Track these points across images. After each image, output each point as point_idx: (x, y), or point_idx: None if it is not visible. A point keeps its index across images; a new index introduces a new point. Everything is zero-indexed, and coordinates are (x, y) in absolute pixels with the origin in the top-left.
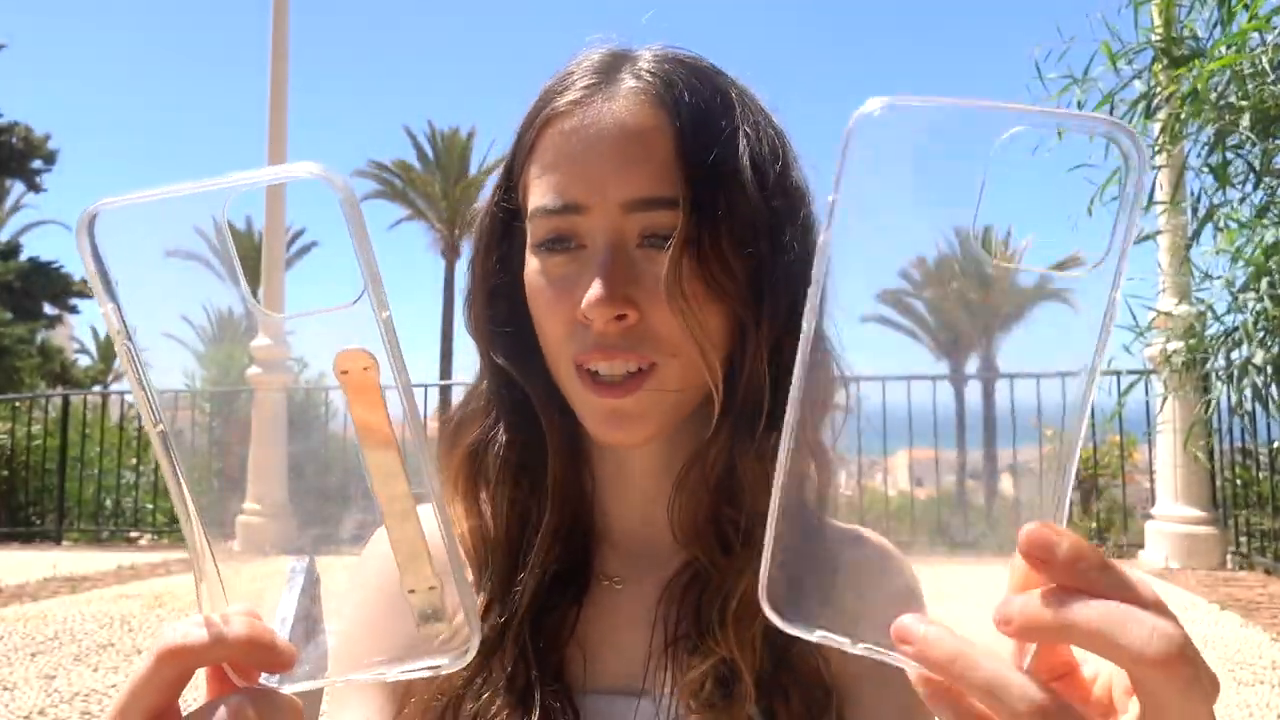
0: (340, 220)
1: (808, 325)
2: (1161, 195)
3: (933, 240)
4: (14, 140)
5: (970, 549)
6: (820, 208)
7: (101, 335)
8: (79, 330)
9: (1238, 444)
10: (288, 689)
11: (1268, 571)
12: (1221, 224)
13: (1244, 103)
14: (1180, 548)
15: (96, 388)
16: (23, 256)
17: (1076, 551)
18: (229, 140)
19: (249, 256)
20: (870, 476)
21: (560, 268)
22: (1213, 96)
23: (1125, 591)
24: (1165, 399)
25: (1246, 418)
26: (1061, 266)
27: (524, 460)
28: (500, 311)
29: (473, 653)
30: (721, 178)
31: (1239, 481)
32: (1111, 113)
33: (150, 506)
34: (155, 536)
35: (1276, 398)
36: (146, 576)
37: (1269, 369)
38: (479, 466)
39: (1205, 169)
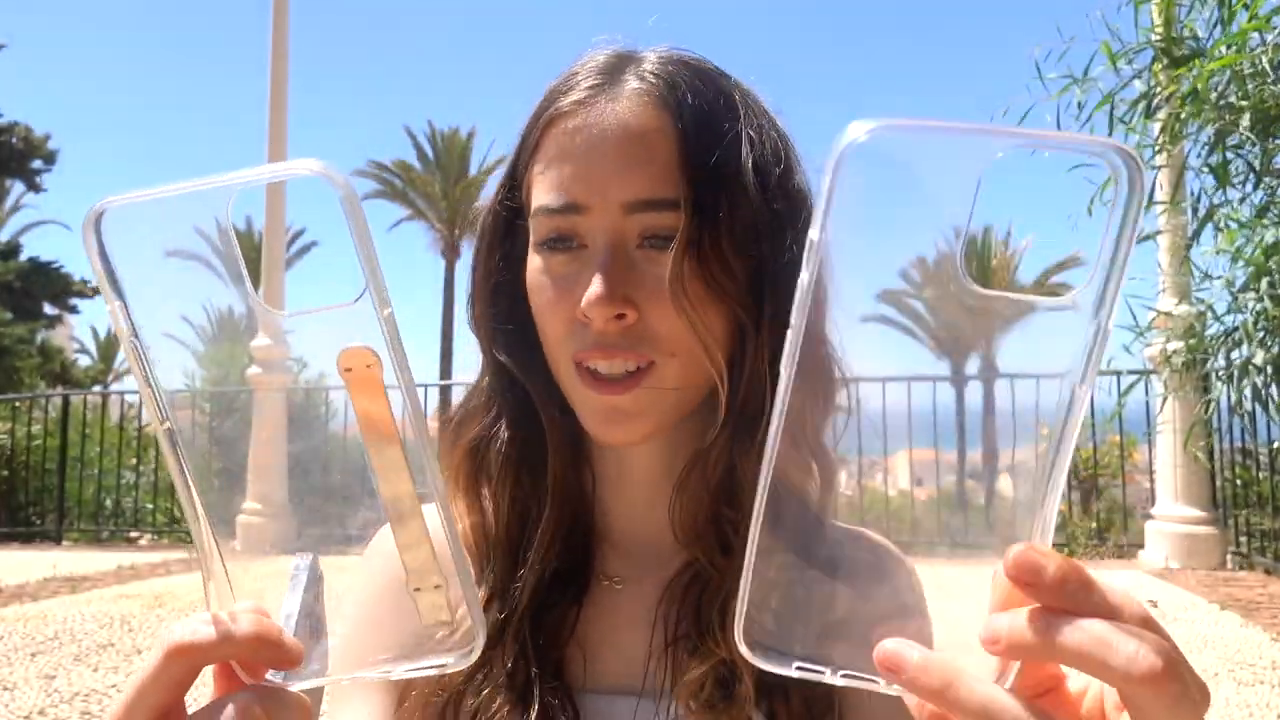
0: (340, 218)
1: (785, 372)
2: (1161, 195)
3: (922, 261)
4: (14, 140)
5: (970, 549)
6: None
7: (102, 335)
8: (79, 330)
9: (1238, 444)
10: (294, 686)
11: (1268, 571)
12: (1221, 224)
13: (1244, 103)
14: (1180, 548)
15: (96, 388)
16: (23, 256)
17: (1063, 573)
18: (229, 140)
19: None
20: (870, 477)
21: (561, 267)
22: (1213, 96)
23: (1111, 610)
24: (1165, 399)
25: (1246, 418)
26: (1062, 267)
27: (525, 457)
28: (502, 309)
29: (478, 652)
30: (723, 180)
31: (1239, 481)
32: (1112, 112)
33: (150, 506)
34: (155, 536)
35: (1276, 398)
36: (146, 576)
37: (1269, 369)
38: (480, 463)
39: (1205, 169)
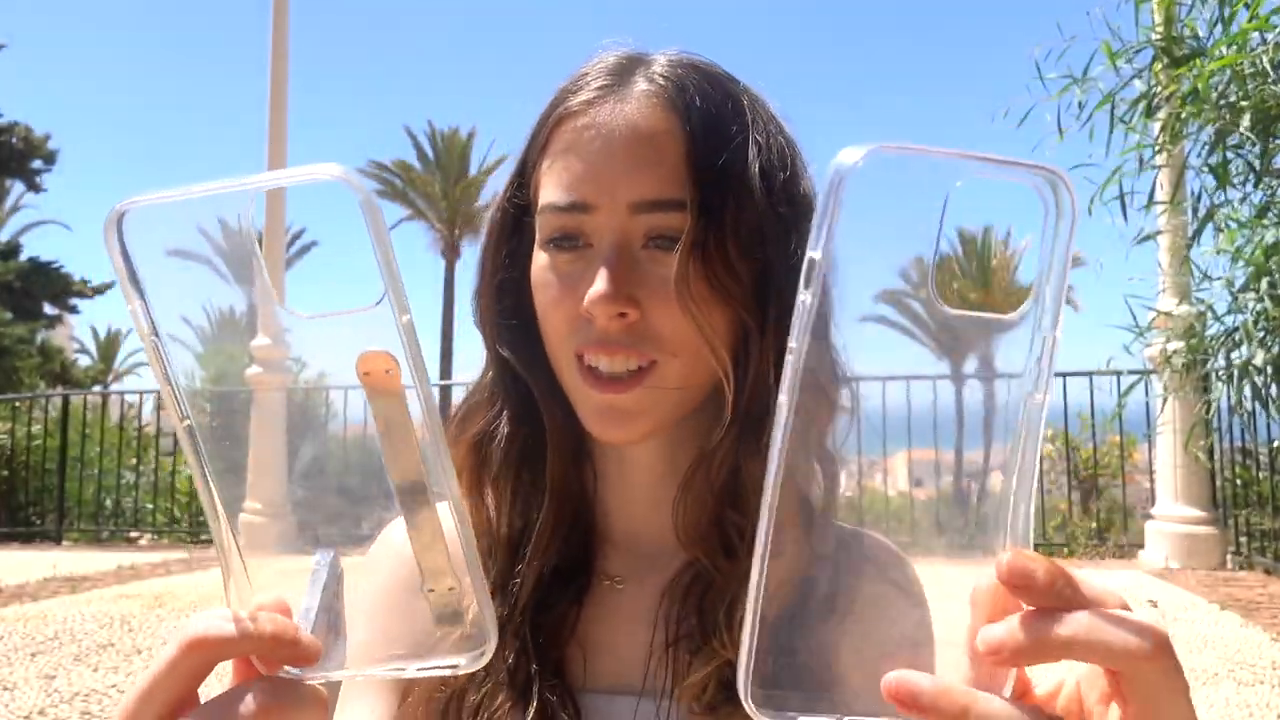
0: (347, 221)
1: (785, 398)
2: (1161, 195)
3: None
4: (14, 140)
5: (969, 550)
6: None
7: (102, 335)
8: (79, 330)
9: (1238, 444)
10: (308, 680)
11: (1268, 571)
12: (1221, 224)
13: (1244, 102)
14: (1180, 548)
15: (96, 388)
16: (23, 256)
17: (1052, 574)
18: (229, 140)
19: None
20: (870, 477)
21: (567, 265)
22: (1213, 96)
23: (1096, 602)
24: (1165, 399)
25: (1246, 417)
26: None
27: (526, 454)
28: (507, 305)
29: (489, 655)
30: (730, 183)
31: (1239, 481)
32: (1112, 112)
33: (150, 506)
34: (155, 536)
35: (1276, 398)
36: (146, 576)
37: (1269, 369)
38: (483, 458)
39: (1205, 169)
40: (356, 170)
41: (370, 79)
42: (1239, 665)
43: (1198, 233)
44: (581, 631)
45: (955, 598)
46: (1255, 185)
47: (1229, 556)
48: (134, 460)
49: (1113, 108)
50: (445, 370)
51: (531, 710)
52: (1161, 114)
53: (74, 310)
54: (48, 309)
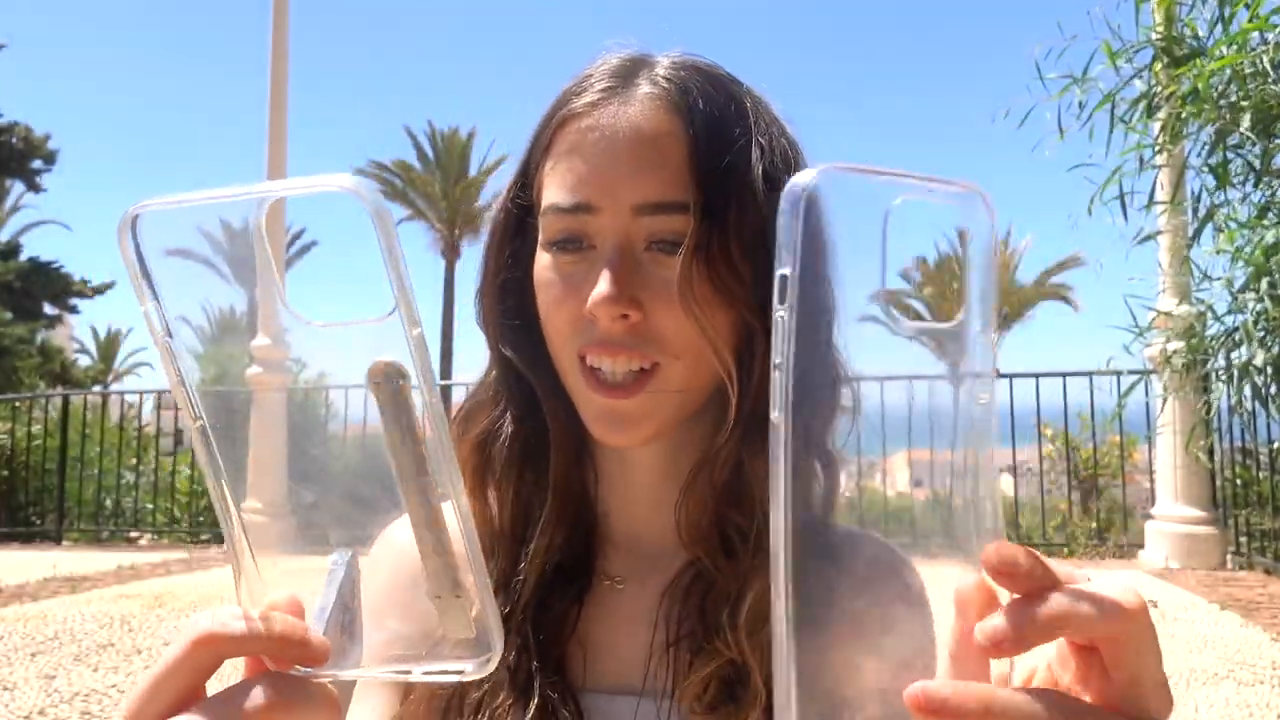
0: (348, 222)
1: (777, 415)
2: (1161, 195)
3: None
4: (14, 140)
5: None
6: None
7: (101, 335)
8: (79, 330)
9: (1238, 444)
10: (318, 679)
11: (1268, 571)
12: (1221, 224)
13: (1244, 102)
14: (1180, 548)
15: (96, 388)
16: (23, 256)
17: (1031, 559)
18: (229, 140)
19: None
20: (869, 478)
21: (570, 266)
22: (1213, 96)
23: (1067, 580)
24: (1165, 399)
25: (1246, 417)
26: (1062, 267)
27: (528, 453)
28: (510, 305)
29: (495, 662)
30: (733, 185)
31: (1239, 481)
32: (1113, 111)
33: (150, 506)
34: (155, 536)
35: (1276, 398)
36: (146, 576)
37: (1269, 369)
38: (485, 457)
39: (1205, 169)
40: (356, 170)
41: (370, 79)
42: (1239, 665)
43: (1198, 233)
44: (582, 631)
45: (933, 600)
46: (1255, 185)
47: (1229, 556)
48: (134, 460)
49: (1113, 107)
50: (445, 370)
51: (532, 708)
52: (1161, 114)
53: (74, 310)
54: (48, 309)
